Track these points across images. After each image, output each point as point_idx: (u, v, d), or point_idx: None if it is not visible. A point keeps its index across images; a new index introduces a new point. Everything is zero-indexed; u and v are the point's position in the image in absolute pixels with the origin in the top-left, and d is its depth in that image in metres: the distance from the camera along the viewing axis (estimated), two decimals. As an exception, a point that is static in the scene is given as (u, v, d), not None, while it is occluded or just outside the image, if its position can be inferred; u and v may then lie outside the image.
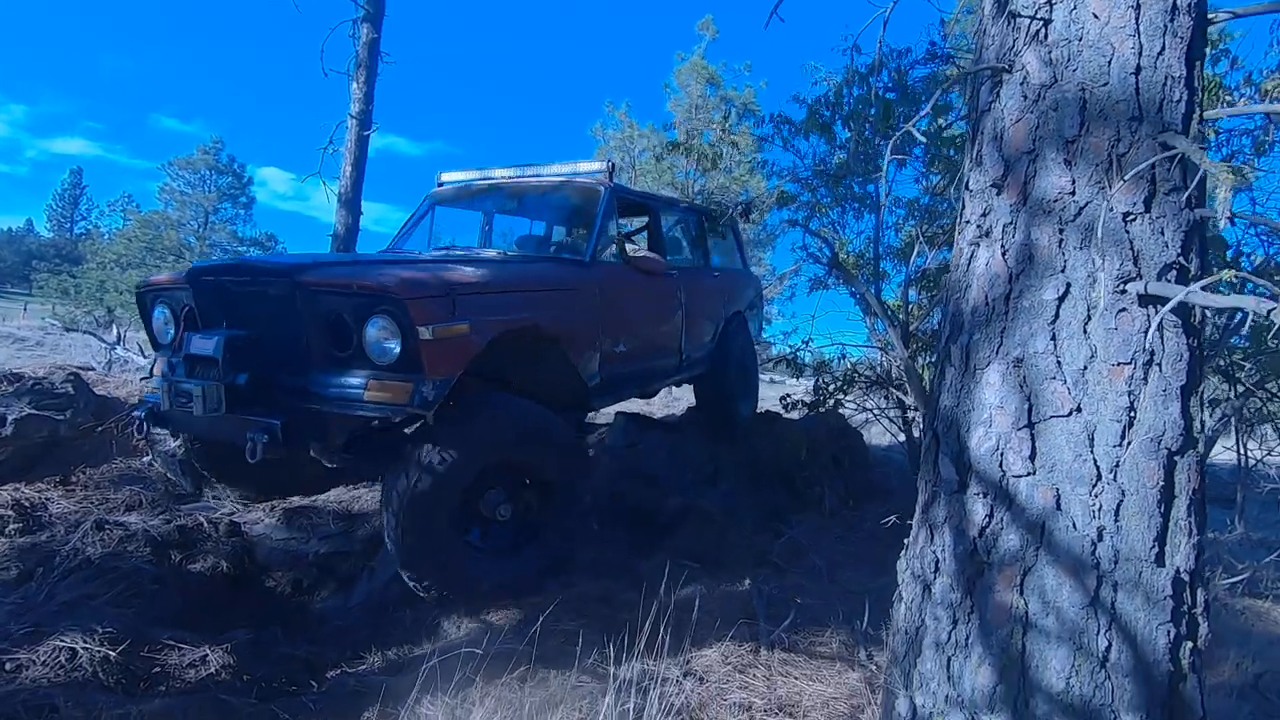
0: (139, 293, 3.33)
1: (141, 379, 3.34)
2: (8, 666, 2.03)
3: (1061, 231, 1.51)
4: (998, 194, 1.62)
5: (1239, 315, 3.66)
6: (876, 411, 5.73)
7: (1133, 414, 1.44)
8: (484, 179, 4.40)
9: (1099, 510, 1.43)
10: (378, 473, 3.07)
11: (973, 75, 1.77)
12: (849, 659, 2.67)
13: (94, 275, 21.81)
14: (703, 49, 14.16)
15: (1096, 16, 1.52)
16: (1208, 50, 2.10)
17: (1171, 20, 1.49)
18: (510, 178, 4.33)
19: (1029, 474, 1.49)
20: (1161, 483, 1.43)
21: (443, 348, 2.54)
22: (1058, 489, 1.46)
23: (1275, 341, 3.23)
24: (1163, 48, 1.48)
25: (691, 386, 5.38)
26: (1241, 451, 4.48)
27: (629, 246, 4.20)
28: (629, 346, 3.83)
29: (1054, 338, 1.49)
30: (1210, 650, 1.51)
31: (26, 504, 3.30)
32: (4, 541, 3.00)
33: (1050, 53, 1.56)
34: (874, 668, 2.58)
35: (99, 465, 3.86)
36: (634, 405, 5.37)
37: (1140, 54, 1.48)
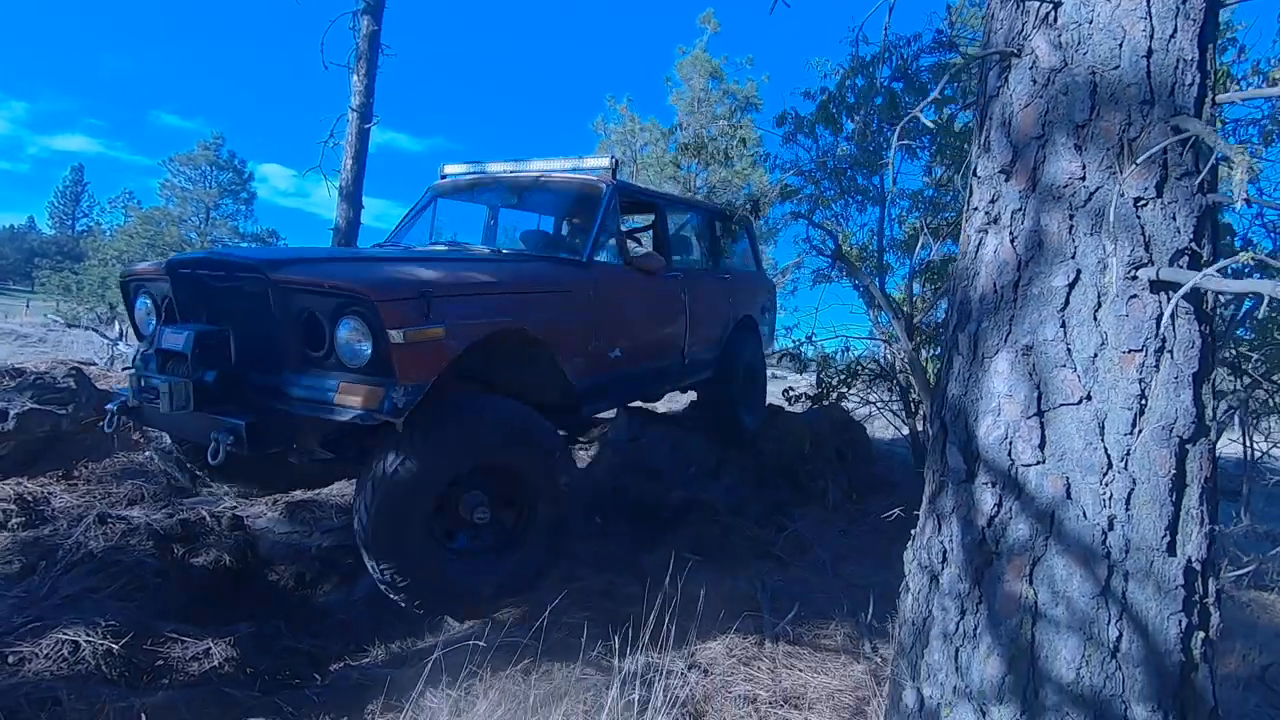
0: (122, 281, 3.27)
1: (123, 369, 3.30)
2: (11, 659, 2.02)
3: (1071, 217, 1.49)
4: (1006, 180, 1.60)
5: (1246, 305, 3.64)
6: (880, 405, 5.72)
7: (1144, 401, 1.42)
8: (486, 173, 4.32)
9: (1110, 499, 1.42)
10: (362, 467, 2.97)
11: (980, 60, 1.75)
12: (854, 651, 2.66)
13: (95, 272, 21.85)
14: (704, 42, 14.10)
15: (1108, -1, 1.49)
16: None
17: (1184, 2, 1.46)
18: (512, 171, 4.24)
19: (1038, 463, 1.47)
20: (1173, 471, 1.41)
21: (415, 352, 2.42)
22: (1068, 478, 1.45)
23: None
24: (1175, 30, 1.46)
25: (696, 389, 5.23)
26: (1247, 443, 4.46)
27: (631, 245, 4.09)
28: (625, 350, 3.70)
29: (1064, 325, 1.48)
30: (1217, 642, 1.50)
31: (29, 498, 3.30)
32: (7, 535, 3.00)
33: (1060, 36, 1.54)
34: (879, 660, 2.57)
35: (101, 459, 3.86)
36: (635, 400, 5.30)
37: (1152, 37, 1.46)
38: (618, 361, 3.66)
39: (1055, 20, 1.55)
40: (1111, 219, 1.41)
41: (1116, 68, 1.47)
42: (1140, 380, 1.42)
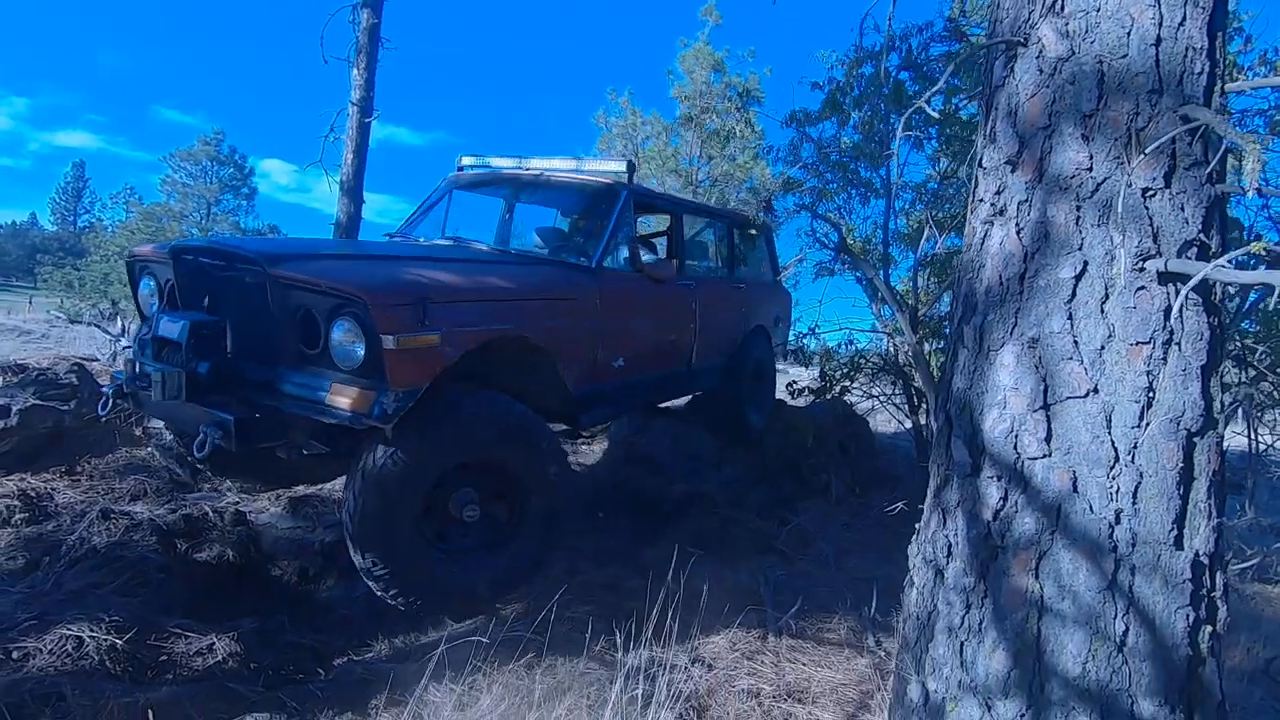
0: (127, 262, 3.26)
1: (124, 347, 3.29)
2: (15, 655, 2.02)
3: (1078, 208, 1.47)
4: (1012, 171, 1.58)
5: (1252, 298, 3.62)
6: (883, 398, 5.70)
7: (1151, 394, 1.41)
8: (502, 167, 4.25)
9: (1117, 492, 1.41)
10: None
11: (986, 50, 1.73)
12: (857, 645, 2.65)
13: (97, 268, 21.85)
14: (706, 35, 13.99)
15: (1115, -14, 1.47)
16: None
17: (1193, -11, 1.44)
18: (530, 168, 4.17)
19: (1045, 456, 1.46)
20: (1181, 464, 1.40)
21: (408, 358, 2.38)
22: (1074, 471, 1.44)
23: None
24: (1183, 18, 1.44)
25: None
26: (1252, 436, 4.43)
27: (643, 252, 4.03)
28: (629, 360, 3.62)
29: (1070, 317, 1.46)
30: (1223, 636, 1.49)
31: (32, 494, 3.30)
32: (10, 531, 3.00)
33: (1067, 24, 1.52)
34: (883, 654, 2.57)
35: (104, 455, 3.85)
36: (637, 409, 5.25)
37: (1160, 24, 1.44)
38: (621, 370, 3.59)
39: (1062, 8, 1.53)
40: (1119, 210, 1.40)
41: (1124, 56, 1.45)
42: (1148, 373, 1.41)
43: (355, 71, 6.43)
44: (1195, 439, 1.42)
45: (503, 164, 4.28)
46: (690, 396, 5.51)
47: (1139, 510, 1.40)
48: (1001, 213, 1.60)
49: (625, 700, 1.96)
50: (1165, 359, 1.41)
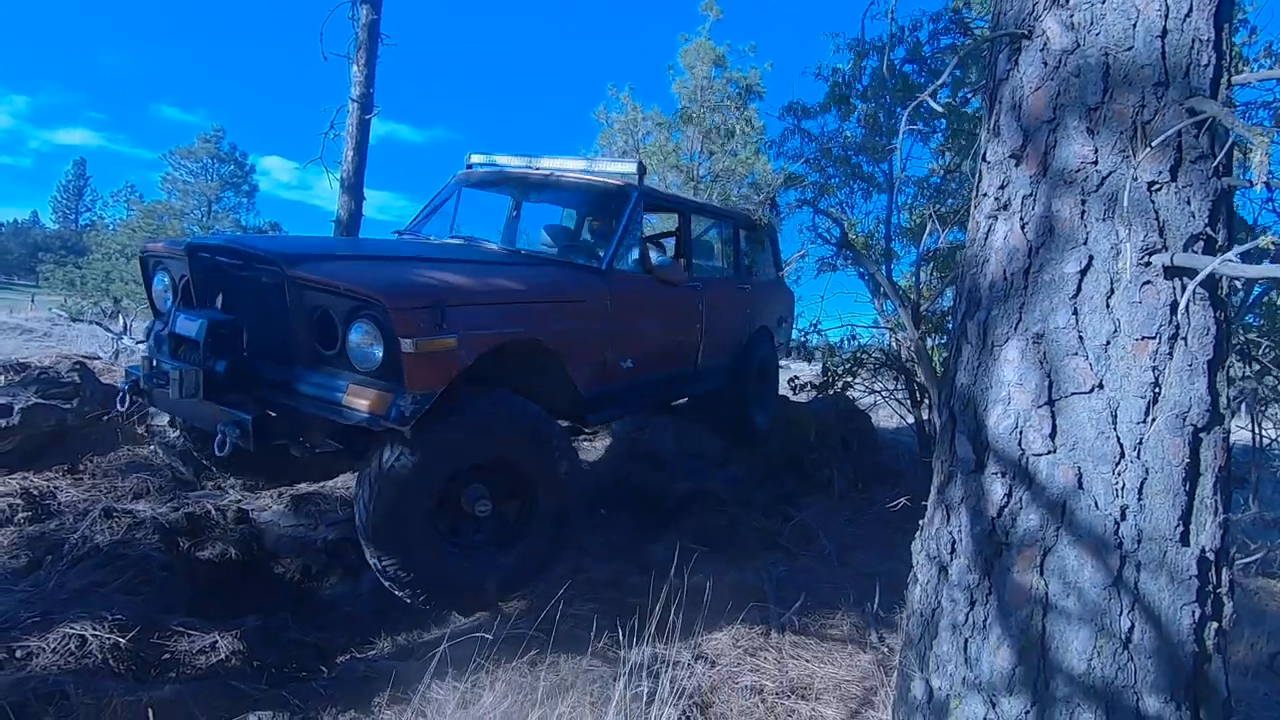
0: (141, 257, 3.27)
1: (137, 342, 3.30)
2: (18, 654, 2.02)
3: (1084, 202, 1.46)
4: (1016, 165, 1.57)
5: (1256, 291, 3.60)
6: (885, 394, 5.70)
7: (1157, 390, 1.40)
8: (510, 166, 4.23)
9: (1122, 489, 1.40)
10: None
11: (990, 43, 1.72)
12: (860, 641, 2.65)
13: (99, 266, 21.86)
14: (707, 29, 13.95)
15: (1121, -23, 1.46)
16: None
17: (1200, -20, 1.43)
18: (539, 167, 4.15)
19: (1049, 452, 1.46)
20: (1187, 460, 1.39)
21: (425, 361, 2.40)
22: (1079, 467, 1.43)
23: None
24: (1190, 9, 1.43)
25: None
26: (1256, 431, 4.42)
27: (653, 254, 4.01)
28: (637, 361, 3.63)
29: (1075, 312, 1.45)
30: (1229, 632, 1.48)
31: (35, 493, 3.30)
32: (13, 530, 3.00)
33: (1072, 16, 1.50)
34: (886, 649, 2.56)
35: (106, 453, 3.85)
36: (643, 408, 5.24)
37: (1166, 16, 1.43)
38: (629, 371, 3.60)
39: (1067, 0, 1.51)
40: (1125, 204, 1.39)
41: (1130, 49, 1.44)
42: (1154, 368, 1.40)
43: (355, 68, 6.41)
44: (1201, 434, 1.41)
45: (512, 163, 4.27)
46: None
47: (1144, 506, 1.39)
48: (1005, 207, 1.59)
49: (629, 697, 1.96)
50: (1171, 354, 1.40)
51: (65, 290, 22.40)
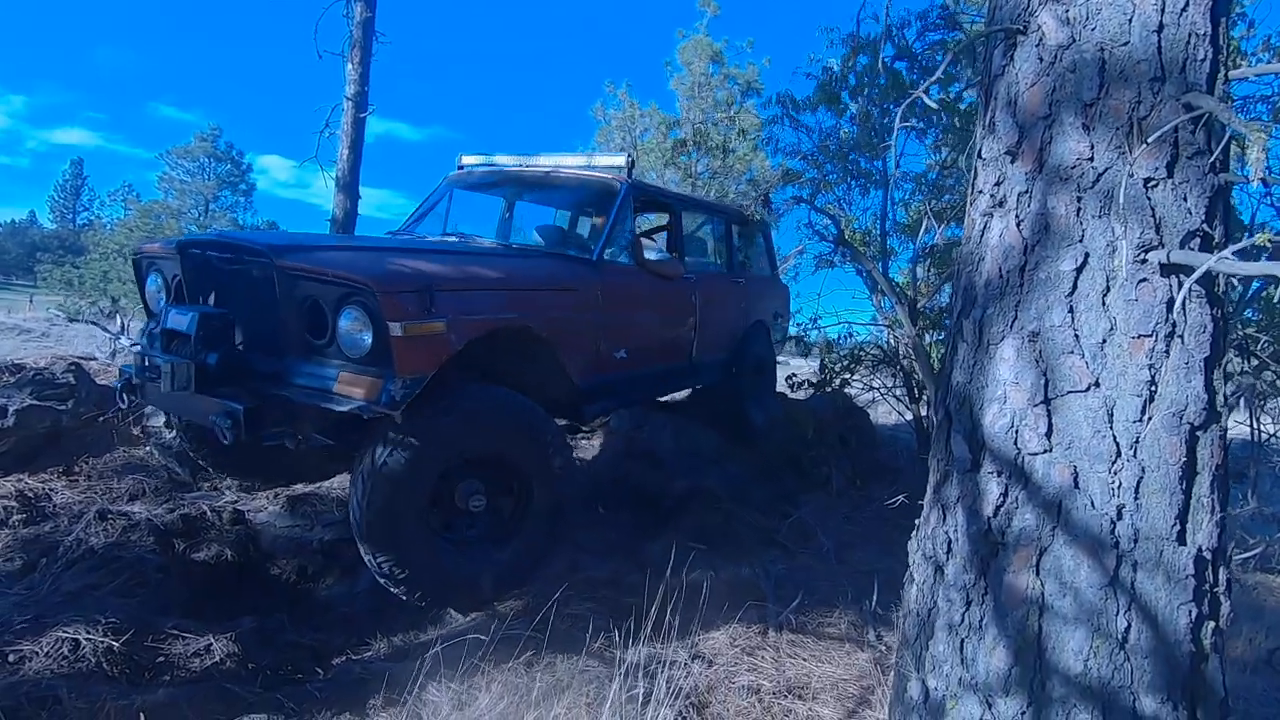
0: (134, 259, 3.28)
1: (130, 345, 3.30)
2: (11, 658, 2.01)
3: (1079, 199, 1.44)
4: (1012, 162, 1.55)
5: (1254, 286, 3.59)
6: (883, 390, 5.69)
7: (1154, 388, 1.39)
8: (502, 165, 4.26)
9: (1118, 488, 1.39)
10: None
11: (985, 38, 1.70)
12: (858, 639, 2.64)
13: (97, 266, 21.83)
14: (704, 25, 13.89)
15: (1117, -29, 1.44)
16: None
17: (1196, -26, 1.41)
18: (529, 165, 4.18)
19: (1045, 451, 1.44)
20: (1183, 459, 1.38)
21: (415, 345, 2.41)
22: (1075, 466, 1.42)
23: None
24: (1186, 3, 1.41)
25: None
26: (1255, 426, 4.41)
27: (648, 245, 4.03)
28: (631, 351, 3.66)
29: (1071, 310, 1.44)
30: (1226, 630, 1.47)
31: (30, 495, 3.29)
32: (8, 533, 2.99)
33: (1067, 11, 1.49)
34: (883, 648, 2.55)
35: (102, 455, 3.84)
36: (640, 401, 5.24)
37: (1163, 10, 1.41)
38: (623, 362, 3.62)
39: (1062, -5, 1.50)
40: (1121, 200, 1.37)
41: (1126, 44, 1.42)
42: (1150, 366, 1.39)
43: (349, 66, 6.38)
44: (1198, 433, 1.40)
45: (504, 162, 4.27)
46: (690, 392, 5.50)
47: (1141, 506, 1.38)
48: (1001, 204, 1.57)
49: (624, 698, 1.95)
50: (1168, 352, 1.39)
51: (64, 290, 22.37)
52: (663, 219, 4.73)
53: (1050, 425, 1.45)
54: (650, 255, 4.00)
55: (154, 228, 22.34)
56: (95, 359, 5.99)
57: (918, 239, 4.49)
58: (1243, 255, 1.29)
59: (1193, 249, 1.38)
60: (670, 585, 2.47)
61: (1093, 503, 1.40)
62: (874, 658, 2.48)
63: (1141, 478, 1.38)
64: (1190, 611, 1.37)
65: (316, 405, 2.51)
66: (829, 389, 5.56)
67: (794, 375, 5.94)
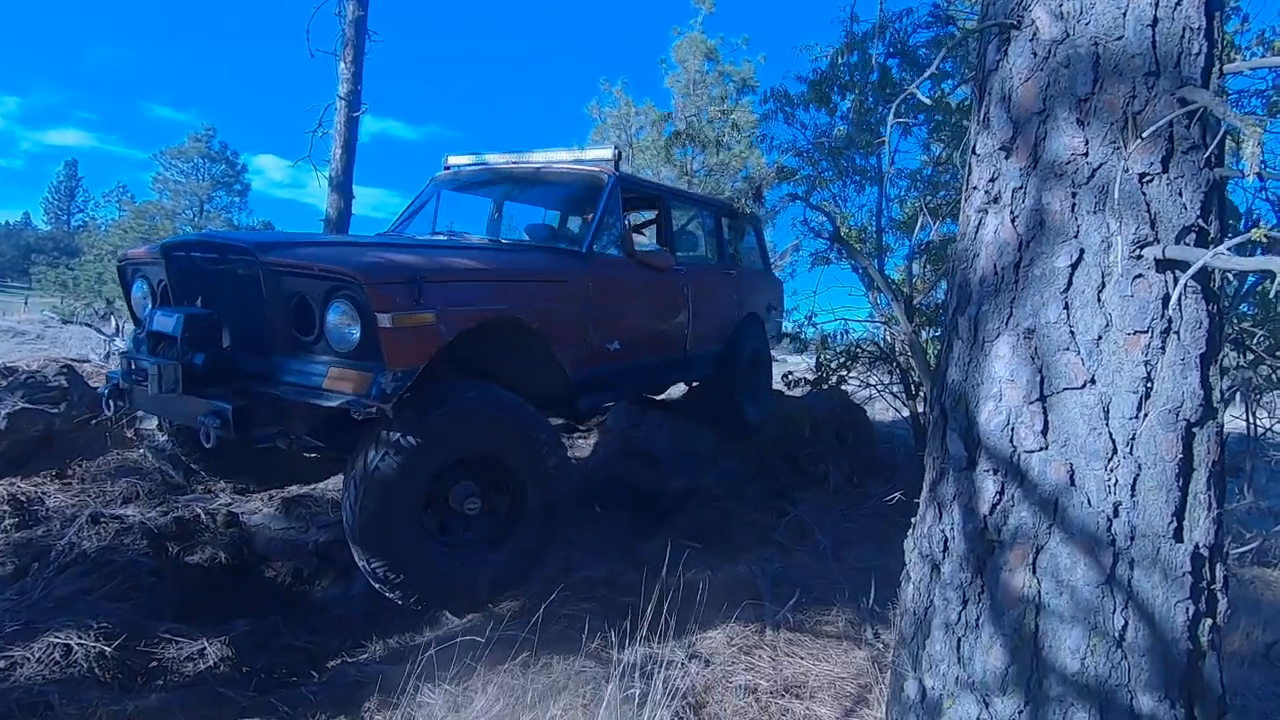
0: (119, 265, 3.26)
1: (120, 353, 3.28)
2: (2, 664, 2.00)
3: (1074, 195, 1.43)
4: (1006, 157, 1.54)
5: (1250, 281, 3.59)
6: (880, 387, 5.68)
7: (1150, 384, 1.38)
8: (489, 164, 4.26)
9: (1115, 485, 1.38)
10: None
11: (979, 34, 1.69)
12: (855, 638, 2.64)
13: (92, 267, 21.74)
14: (699, 22, 13.88)
15: (1111, -35, 1.43)
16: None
17: (1190, -33, 1.40)
18: (515, 163, 4.18)
19: (1041, 449, 1.44)
20: (1180, 455, 1.37)
21: (404, 337, 2.38)
22: (1071, 464, 1.41)
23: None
24: (1180, -3, 1.40)
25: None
26: (1251, 420, 4.42)
27: (637, 239, 4.03)
28: (624, 343, 3.66)
29: (1067, 307, 1.43)
30: (1223, 627, 1.47)
31: (22, 498, 3.27)
32: (0, 537, 2.97)
33: (1061, 6, 1.48)
34: (881, 646, 2.55)
35: (94, 458, 3.82)
36: (635, 394, 5.23)
37: (1157, 5, 1.40)
38: (617, 354, 3.61)
39: (1056, -11, 1.48)
40: (1116, 196, 1.36)
41: (1120, 38, 1.41)
42: (1146, 362, 1.38)
43: (342, 65, 6.35)
44: (1194, 429, 1.39)
45: (492, 160, 4.27)
46: (686, 390, 5.49)
47: (1138, 503, 1.38)
48: (996, 200, 1.56)
49: (621, 699, 1.94)
50: (1164, 348, 1.38)
51: (59, 292, 22.28)
52: (652, 211, 4.73)
53: (1046, 422, 1.44)
54: (642, 247, 4.00)
55: (149, 229, 22.24)
56: (89, 361, 5.96)
57: (913, 235, 4.48)
58: (1238, 250, 1.28)
59: (1188, 244, 1.37)
60: (666, 584, 2.46)
61: (1089, 500, 1.39)
62: (871, 656, 2.47)
63: (1138, 475, 1.38)
64: (1187, 609, 1.37)
65: (306, 402, 2.48)
66: (826, 386, 5.56)
67: (791, 372, 5.94)
